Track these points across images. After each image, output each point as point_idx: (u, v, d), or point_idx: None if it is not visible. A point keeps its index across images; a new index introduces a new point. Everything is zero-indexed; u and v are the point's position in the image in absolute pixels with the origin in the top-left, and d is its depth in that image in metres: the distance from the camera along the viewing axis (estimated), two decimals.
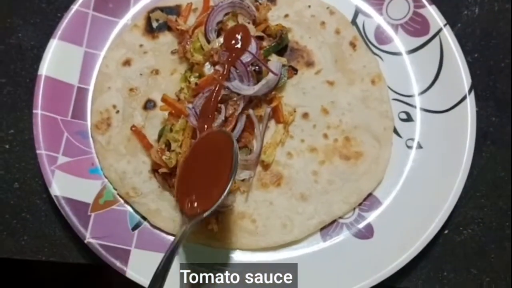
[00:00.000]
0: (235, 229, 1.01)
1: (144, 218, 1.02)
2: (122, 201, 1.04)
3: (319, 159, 1.06)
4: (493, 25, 1.22)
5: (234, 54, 1.05)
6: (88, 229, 0.97)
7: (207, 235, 1.00)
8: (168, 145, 1.02)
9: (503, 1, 1.24)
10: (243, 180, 1.02)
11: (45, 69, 1.09)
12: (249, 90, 1.04)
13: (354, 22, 1.20)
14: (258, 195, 1.04)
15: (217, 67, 1.05)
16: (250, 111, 1.05)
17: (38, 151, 1.03)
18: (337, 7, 1.20)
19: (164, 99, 1.03)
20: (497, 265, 1.03)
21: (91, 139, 1.09)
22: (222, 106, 1.02)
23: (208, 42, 1.09)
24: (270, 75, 1.06)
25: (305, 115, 1.10)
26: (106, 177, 1.05)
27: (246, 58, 1.05)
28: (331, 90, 1.12)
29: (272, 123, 1.09)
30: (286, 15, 1.19)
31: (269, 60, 1.10)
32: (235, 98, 1.04)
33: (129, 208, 1.03)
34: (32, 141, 1.05)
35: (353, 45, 1.16)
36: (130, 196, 1.03)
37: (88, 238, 0.96)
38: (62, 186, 1.01)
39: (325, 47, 1.16)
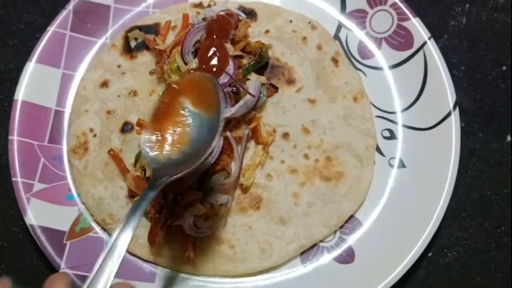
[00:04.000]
0: (213, 255, 0.98)
1: None
2: (99, 228, 1.02)
3: (300, 181, 1.04)
4: (481, 36, 1.18)
5: None
6: (63, 258, 0.96)
7: (184, 262, 0.98)
8: (144, 170, 1.00)
9: (492, 11, 1.20)
10: (221, 205, 1.00)
11: (21, 93, 1.08)
12: (226, 112, 1.01)
13: (337, 36, 1.17)
14: (236, 220, 1.01)
15: None
16: (228, 133, 1.03)
17: (13, 179, 1.01)
18: (320, 21, 1.17)
19: (139, 124, 1.01)
20: None
21: (68, 164, 1.07)
22: None
23: (186, 63, 1.07)
24: (248, 95, 1.04)
25: (286, 135, 1.07)
26: (83, 203, 1.04)
27: (223, 79, 1.03)
28: (312, 108, 1.09)
29: (251, 144, 1.07)
30: (267, 31, 1.16)
31: (248, 79, 1.07)
32: None
33: (106, 235, 1.01)
34: (9, 166, 1.03)
35: (335, 60, 1.13)
36: (106, 223, 1.01)
37: (63, 268, 0.95)
38: (37, 214, 0.99)
39: (307, 64, 1.13)
